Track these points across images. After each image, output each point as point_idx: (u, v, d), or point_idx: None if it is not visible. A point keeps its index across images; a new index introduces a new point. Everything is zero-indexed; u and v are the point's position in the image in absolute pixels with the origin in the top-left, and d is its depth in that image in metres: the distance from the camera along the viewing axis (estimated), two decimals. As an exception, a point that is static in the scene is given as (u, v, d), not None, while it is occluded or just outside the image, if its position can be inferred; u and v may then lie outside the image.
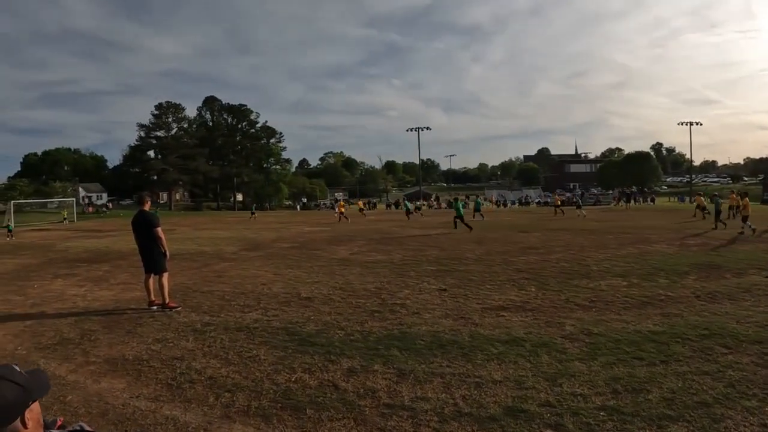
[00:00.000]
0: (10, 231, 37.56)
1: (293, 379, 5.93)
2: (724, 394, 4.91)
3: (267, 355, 6.93)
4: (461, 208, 29.05)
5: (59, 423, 3.13)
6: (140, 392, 5.87)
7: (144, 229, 10.43)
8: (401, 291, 10.80)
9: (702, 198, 26.93)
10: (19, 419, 2.10)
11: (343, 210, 45.12)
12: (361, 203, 63.82)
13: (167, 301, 10.22)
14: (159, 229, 10.44)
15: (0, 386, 2.09)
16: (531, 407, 4.79)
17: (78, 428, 2.94)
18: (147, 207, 10.79)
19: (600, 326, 7.39)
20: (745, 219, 21.68)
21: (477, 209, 42.74)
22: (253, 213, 56.63)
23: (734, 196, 26.18)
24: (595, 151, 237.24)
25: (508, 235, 23.21)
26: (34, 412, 2.20)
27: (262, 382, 5.91)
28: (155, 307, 10.16)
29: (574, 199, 52.71)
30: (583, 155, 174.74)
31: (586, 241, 18.95)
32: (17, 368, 2.26)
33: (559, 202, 47.44)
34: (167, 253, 10.61)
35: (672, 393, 4.97)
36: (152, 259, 10.39)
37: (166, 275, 10.35)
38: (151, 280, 10.42)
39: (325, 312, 9.21)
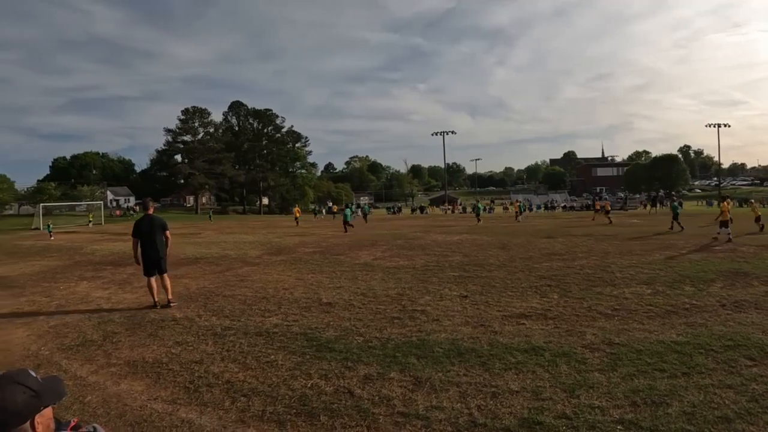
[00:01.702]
0: (50, 232, 38.69)
1: (309, 385, 5.94)
2: (746, 408, 4.80)
3: (285, 360, 6.96)
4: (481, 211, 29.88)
5: (73, 423, 3.14)
6: (158, 395, 5.95)
7: (159, 230, 11.03)
8: (422, 297, 10.76)
9: (728, 203, 26.67)
10: (28, 423, 2.12)
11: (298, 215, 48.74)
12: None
13: (171, 297, 11.05)
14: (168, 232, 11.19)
15: (12, 390, 2.12)
16: (547, 419, 4.73)
17: (92, 429, 2.95)
18: (151, 211, 11.41)
19: (622, 336, 7.27)
20: (723, 225, 21.52)
21: (477, 213, 46.79)
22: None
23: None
24: (621, 154, 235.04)
25: (531, 240, 23.04)
26: (44, 417, 2.22)
27: (279, 388, 5.93)
28: (159, 305, 10.81)
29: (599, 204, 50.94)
30: (609, 158, 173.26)
31: (611, 247, 18.72)
32: (33, 373, 2.28)
33: (598, 207, 45.81)
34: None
35: (693, 407, 4.87)
36: (162, 259, 11.00)
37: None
38: (154, 281, 10.93)
39: (345, 318, 9.22)
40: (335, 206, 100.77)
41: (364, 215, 56.95)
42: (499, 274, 13.28)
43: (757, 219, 25.99)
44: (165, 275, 11.08)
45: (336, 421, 4.95)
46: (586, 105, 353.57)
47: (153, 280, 10.92)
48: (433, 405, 5.19)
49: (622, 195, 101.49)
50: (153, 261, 10.89)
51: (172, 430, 4.98)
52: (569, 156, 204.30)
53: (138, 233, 11.00)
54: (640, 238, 22.44)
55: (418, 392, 5.54)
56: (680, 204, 32.24)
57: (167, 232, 11.20)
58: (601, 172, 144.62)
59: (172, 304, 10.84)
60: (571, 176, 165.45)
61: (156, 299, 10.93)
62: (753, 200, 38.99)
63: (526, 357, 6.50)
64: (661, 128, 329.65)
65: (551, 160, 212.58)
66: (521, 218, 45.33)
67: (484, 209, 69.99)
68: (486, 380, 5.76)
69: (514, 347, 6.93)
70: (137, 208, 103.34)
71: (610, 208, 43.33)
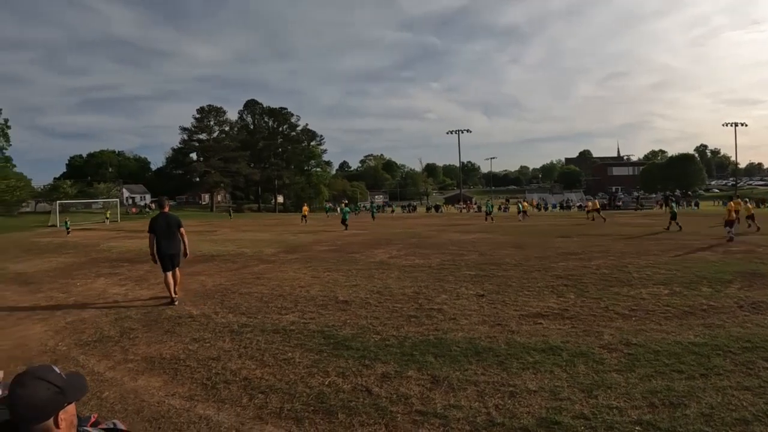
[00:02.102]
0: (67, 228, 39.09)
1: (327, 383, 5.96)
2: (764, 411, 4.77)
3: (302, 357, 6.98)
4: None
5: (93, 419, 3.18)
6: (175, 391, 5.99)
7: (174, 228, 11.39)
8: (439, 296, 10.74)
9: (739, 203, 26.65)
10: (52, 419, 2.14)
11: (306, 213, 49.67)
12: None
13: (177, 292, 11.42)
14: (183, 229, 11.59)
15: (36, 386, 2.15)
16: (565, 419, 4.72)
17: (111, 425, 2.99)
18: (167, 209, 11.68)
19: (639, 336, 7.23)
20: (729, 224, 21.86)
21: (488, 212, 46.78)
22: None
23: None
24: (637, 153, 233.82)
25: (547, 240, 22.95)
26: (68, 413, 2.24)
27: (296, 385, 5.96)
28: (177, 301, 11.13)
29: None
30: (625, 158, 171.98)
31: (627, 247, 18.60)
32: (56, 369, 2.30)
33: (589, 208, 45.84)
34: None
35: (711, 408, 4.84)
36: (178, 255, 11.42)
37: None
38: (171, 276, 11.20)
39: (362, 316, 9.22)
40: (342, 204, 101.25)
41: (372, 214, 60.03)
42: (515, 273, 13.25)
43: (750, 217, 26.06)
44: (177, 269, 11.43)
45: (354, 419, 4.97)
46: (602, 103, 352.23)
47: (170, 275, 11.19)
48: (451, 404, 5.19)
49: (637, 194, 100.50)
50: (170, 257, 11.21)
51: (189, 426, 5.01)
52: (585, 155, 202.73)
53: (154, 231, 11.24)
54: (656, 238, 22.29)
55: (435, 391, 5.54)
56: (677, 204, 33.21)
57: (182, 229, 11.53)
58: (616, 171, 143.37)
59: (175, 302, 11.05)
60: (586, 175, 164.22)
61: (173, 295, 11.18)
62: (738, 198, 39.03)
63: (543, 356, 6.49)
64: (678, 127, 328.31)
65: (567, 159, 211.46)
66: (520, 216, 46.55)
67: (499, 208, 70.13)
68: (504, 379, 5.75)
69: (531, 347, 6.92)
70: (153, 205, 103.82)
71: (599, 206, 44.82)
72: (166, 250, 11.18)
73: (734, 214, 22.07)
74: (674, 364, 6.05)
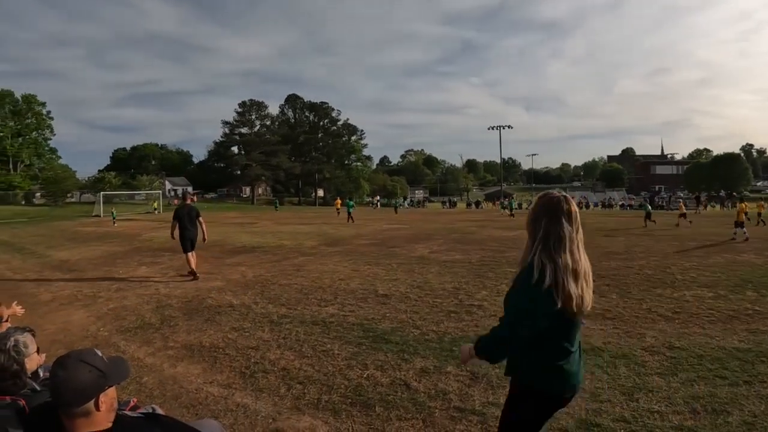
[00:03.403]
0: (114, 218, 40.01)
1: (365, 376, 5.99)
2: (810, 420, 4.63)
3: (341, 350, 7.03)
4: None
5: (132, 404, 3.25)
6: (214, 378, 6.09)
7: (195, 216, 13.74)
8: (479, 292, 10.72)
9: (762, 205, 26.59)
10: (93, 401, 2.18)
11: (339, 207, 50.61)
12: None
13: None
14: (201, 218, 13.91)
15: (78, 368, 2.19)
16: (605, 421, 4.67)
17: (150, 410, 3.05)
18: (189, 201, 14.27)
19: (682, 340, 7.10)
20: (738, 225, 22.54)
21: (511, 209, 49.72)
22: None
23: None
24: (681, 151, 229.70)
25: (590, 238, 22.69)
26: (108, 396, 2.28)
27: (334, 377, 6.00)
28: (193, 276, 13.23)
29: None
30: (669, 156, 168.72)
31: (670, 248, 18.32)
32: (99, 353, 2.35)
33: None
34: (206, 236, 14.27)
35: (753, 417, 4.73)
36: (195, 239, 13.71)
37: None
38: (191, 255, 13.40)
39: (402, 310, 9.24)
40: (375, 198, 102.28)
41: (395, 208, 63.90)
42: (556, 271, 13.02)
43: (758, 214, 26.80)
44: (193, 251, 13.53)
45: (391, 413, 4.99)
46: (645, 100, 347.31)
47: (191, 255, 13.41)
48: (489, 401, 5.17)
49: (682, 195, 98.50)
50: (191, 240, 13.51)
51: (226, 414, 5.07)
52: (627, 153, 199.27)
53: (179, 218, 13.55)
54: (700, 239, 21.91)
55: (474, 388, 5.53)
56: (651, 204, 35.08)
57: (201, 218, 13.89)
58: (660, 170, 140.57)
59: (198, 276, 13.16)
60: (629, 174, 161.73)
61: (195, 268, 13.31)
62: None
63: (584, 357, 6.40)
64: (723, 125, 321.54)
65: (609, 157, 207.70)
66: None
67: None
68: (544, 379, 5.68)
69: (572, 346, 6.84)
70: (195, 197, 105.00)
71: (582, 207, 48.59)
72: (189, 234, 13.49)
73: (743, 215, 22.83)
74: (717, 369, 5.93)
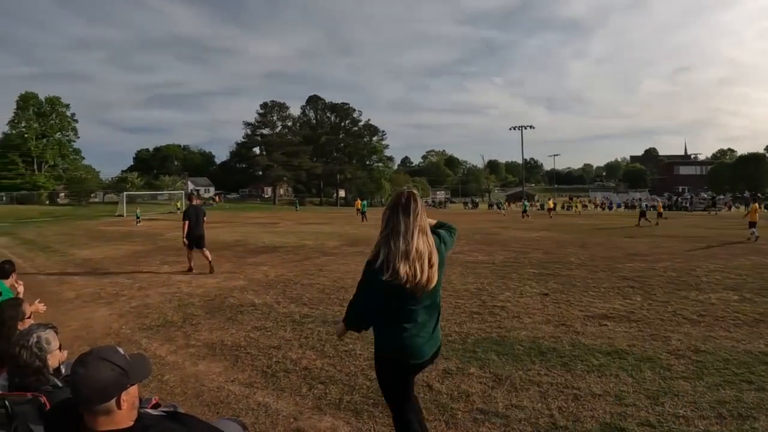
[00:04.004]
0: (138, 218, 40.43)
1: (388, 377, 5.94)
2: (839, 426, 4.55)
3: (363, 350, 7.02)
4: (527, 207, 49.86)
5: (154, 401, 3.26)
6: (235, 377, 6.12)
7: (202, 216, 14.73)
8: (502, 293, 10.64)
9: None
10: (114, 400, 2.17)
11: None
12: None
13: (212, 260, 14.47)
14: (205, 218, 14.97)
15: (99, 367, 2.18)
16: (630, 426, 4.60)
17: (171, 408, 3.04)
18: (194, 202, 14.98)
19: (708, 343, 6.98)
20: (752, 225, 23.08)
21: (524, 210, 51.60)
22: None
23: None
24: (705, 152, 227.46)
25: (612, 239, 22.53)
26: (130, 394, 2.28)
27: (356, 377, 6.00)
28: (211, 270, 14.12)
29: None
30: (692, 156, 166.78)
31: (695, 250, 18.14)
32: (121, 351, 2.34)
33: (551, 206, 54.94)
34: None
35: (781, 422, 4.64)
36: (203, 236, 14.67)
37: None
38: (193, 253, 14.43)
39: (424, 311, 9.15)
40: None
41: None
42: (579, 272, 13.03)
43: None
44: (204, 249, 14.49)
45: (414, 415, 4.95)
46: (668, 99, 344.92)
47: (191, 252, 14.43)
48: (513, 404, 5.13)
49: (706, 195, 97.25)
50: (197, 238, 14.38)
51: (248, 413, 5.08)
52: (650, 153, 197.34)
53: (189, 218, 14.28)
54: (725, 241, 21.66)
55: (497, 390, 5.49)
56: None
57: (205, 217, 15.01)
58: (683, 170, 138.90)
59: (193, 270, 14.37)
60: (652, 174, 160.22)
61: (192, 265, 14.49)
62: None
63: (608, 360, 6.35)
64: (748, 125, 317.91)
65: (632, 157, 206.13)
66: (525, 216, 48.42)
67: (562, 207, 71.45)
68: (567, 381, 5.65)
69: (596, 349, 6.78)
70: (217, 198, 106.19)
71: (552, 206, 55.53)
72: (196, 232, 14.33)
73: (756, 215, 23.51)
74: (744, 374, 5.82)
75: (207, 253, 14.45)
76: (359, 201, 59.80)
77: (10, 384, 3.19)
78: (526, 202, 55.78)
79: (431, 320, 3.58)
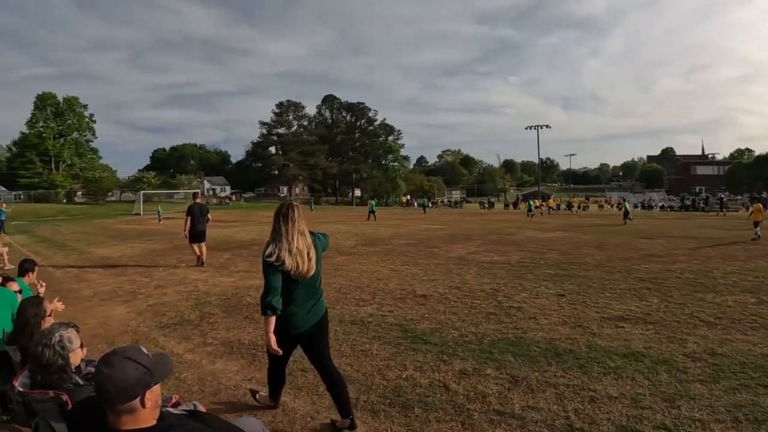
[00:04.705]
0: (159, 216, 40.84)
1: (404, 377, 6.01)
2: None
3: (379, 350, 7.05)
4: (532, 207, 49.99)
5: (174, 400, 3.33)
6: (253, 375, 6.19)
7: (205, 212, 15.86)
8: (518, 294, 10.64)
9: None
10: (138, 399, 2.23)
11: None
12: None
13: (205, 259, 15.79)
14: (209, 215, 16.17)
15: (125, 366, 2.24)
16: (645, 428, 4.60)
17: (192, 407, 3.10)
18: (198, 200, 16.14)
19: (725, 346, 6.94)
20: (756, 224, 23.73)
21: (529, 210, 50.48)
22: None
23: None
24: (722, 151, 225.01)
25: (629, 240, 22.40)
26: (154, 393, 2.33)
27: (373, 377, 6.04)
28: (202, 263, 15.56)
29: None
30: (710, 156, 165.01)
31: (713, 251, 17.96)
32: (144, 350, 2.39)
33: (537, 204, 57.53)
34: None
35: (797, 427, 4.61)
36: (205, 232, 15.90)
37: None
38: (197, 247, 15.64)
39: (440, 311, 9.22)
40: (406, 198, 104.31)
41: (423, 208, 66.93)
42: (596, 273, 12.99)
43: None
44: (203, 244, 15.75)
45: (430, 414, 4.99)
46: (684, 98, 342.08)
47: (196, 246, 15.62)
48: (529, 405, 5.14)
49: (723, 195, 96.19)
50: (199, 233, 15.48)
51: (265, 411, 5.13)
52: (667, 153, 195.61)
53: (192, 214, 15.28)
54: (743, 242, 21.49)
55: (514, 391, 5.50)
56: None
57: (209, 215, 16.15)
58: (700, 170, 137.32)
59: (204, 264, 15.50)
60: (669, 174, 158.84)
61: (198, 255, 15.65)
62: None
63: (625, 362, 6.34)
64: (766, 123, 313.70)
65: (648, 157, 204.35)
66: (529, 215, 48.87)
67: (578, 207, 71.35)
68: (584, 383, 5.66)
69: (612, 351, 6.77)
70: (233, 197, 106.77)
71: (539, 204, 58.24)
72: (198, 228, 15.38)
73: (760, 215, 24.14)
74: (760, 377, 5.78)
75: (204, 248, 15.79)
76: (370, 200, 60.99)
77: (32, 382, 3.26)
78: (532, 201, 55.12)
79: (311, 300, 4.70)
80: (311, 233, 4.73)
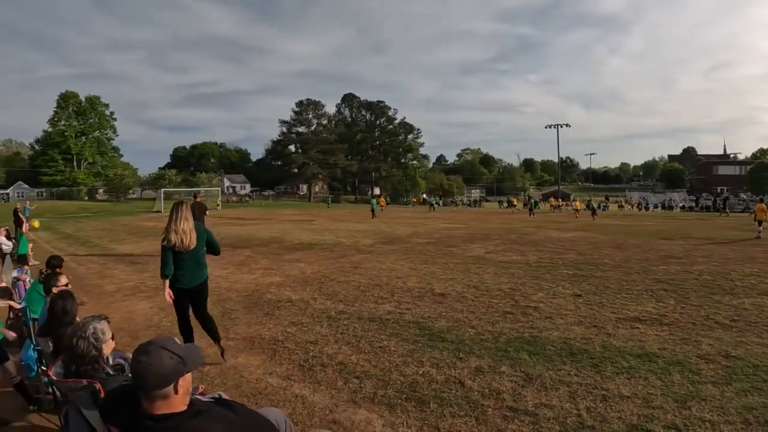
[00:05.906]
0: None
1: (420, 373, 6.14)
2: None
3: (397, 346, 7.19)
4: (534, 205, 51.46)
5: (200, 390, 3.51)
6: (273, 370, 6.38)
7: (204, 210, 16.98)
8: (535, 294, 10.71)
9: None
10: (172, 386, 2.43)
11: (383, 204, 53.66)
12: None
13: None
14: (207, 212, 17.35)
15: (161, 355, 2.44)
16: (656, 428, 4.68)
17: (217, 396, 3.28)
18: (198, 199, 17.49)
19: (739, 349, 6.95)
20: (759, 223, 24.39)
21: (531, 209, 50.63)
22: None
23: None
24: (745, 151, 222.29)
25: (648, 241, 22.29)
26: (186, 381, 2.54)
27: (390, 373, 6.17)
28: None
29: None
30: (732, 156, 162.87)
31: (732, 253, 17.81)
32: (177, 341, 2.59)
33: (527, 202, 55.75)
34: None
35: (808, 430, 4.65)
36: None
37: None
38: None
39: (458, 309, 9.34)
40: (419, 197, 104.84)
41: (431, 206, 67.48)
42: (613, 274, 12.98)
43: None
44: None
45: (445, 410, 5.11)
46: (706, 96, 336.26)
47: None
48: (542, 402, 5.24)
49: (744, 196, 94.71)
50: None
51: (285, 404, 5.28)
52: (689, 152, 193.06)
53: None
54: (763, 244, 21.34)
55: (528, 388, 5.61)
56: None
57: (208, 212, 17.46)
58: (722, 170, 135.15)
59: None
60: (690, 174, 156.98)
61: None
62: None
63: (638, 362, 6.41)
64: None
65: (669, 157, 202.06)
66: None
67: (598, 206, 70.77)
68: (597, 382, 5.74)
69: (627, 351, 6.84)
70: (253, 195, 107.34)
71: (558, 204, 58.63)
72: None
73: (764, 215, 24.52)
74: (773, 380, 5.82)
75: None
76: (383, 199, 61.12)
77: (66, 371, 3.41)
78: (534, 201, 55.18)
79: (194, 266, 6.47)
80: (203, 229, 6.74)
